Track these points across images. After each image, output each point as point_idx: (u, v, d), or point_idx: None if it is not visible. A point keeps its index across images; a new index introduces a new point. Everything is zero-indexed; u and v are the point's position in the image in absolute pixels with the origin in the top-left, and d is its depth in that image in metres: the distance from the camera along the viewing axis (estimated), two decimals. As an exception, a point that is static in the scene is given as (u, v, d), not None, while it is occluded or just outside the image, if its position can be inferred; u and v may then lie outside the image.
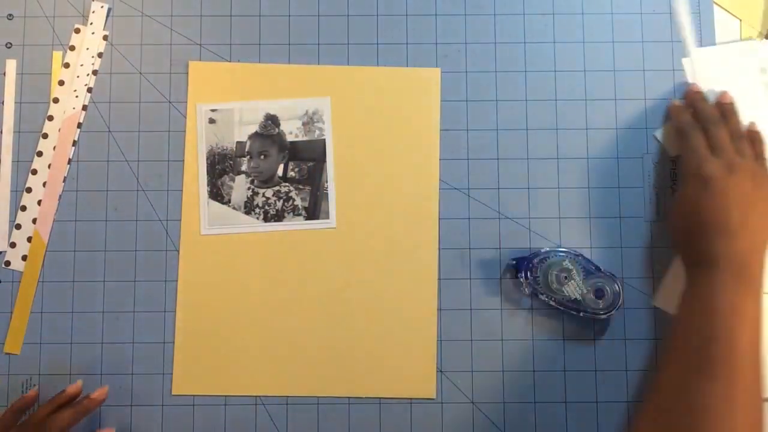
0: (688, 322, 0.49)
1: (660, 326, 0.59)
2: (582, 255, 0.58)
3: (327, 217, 0.60)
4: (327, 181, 0.60)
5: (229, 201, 0.60)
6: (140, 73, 0.62)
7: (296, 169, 0.60)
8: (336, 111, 0.61)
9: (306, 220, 0.60)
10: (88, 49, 0.62)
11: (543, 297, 0.57)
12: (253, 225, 0.59)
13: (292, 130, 0.61)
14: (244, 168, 0.60)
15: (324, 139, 0.60)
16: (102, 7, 0.62)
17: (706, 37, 0.62)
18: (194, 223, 0.60)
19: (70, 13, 0.63)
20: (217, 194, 0.60)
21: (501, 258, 0.60)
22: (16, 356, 0.59)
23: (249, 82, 0.61)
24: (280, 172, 0.60)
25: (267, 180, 0.60)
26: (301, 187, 0.60)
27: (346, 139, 0.61)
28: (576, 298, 0.56)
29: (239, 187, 0.60)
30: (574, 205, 0.61)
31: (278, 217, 0.60)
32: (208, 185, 0.60)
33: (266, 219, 0.60)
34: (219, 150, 0.60)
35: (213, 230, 0.60)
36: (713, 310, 0.47)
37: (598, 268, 0.57)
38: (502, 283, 0.60)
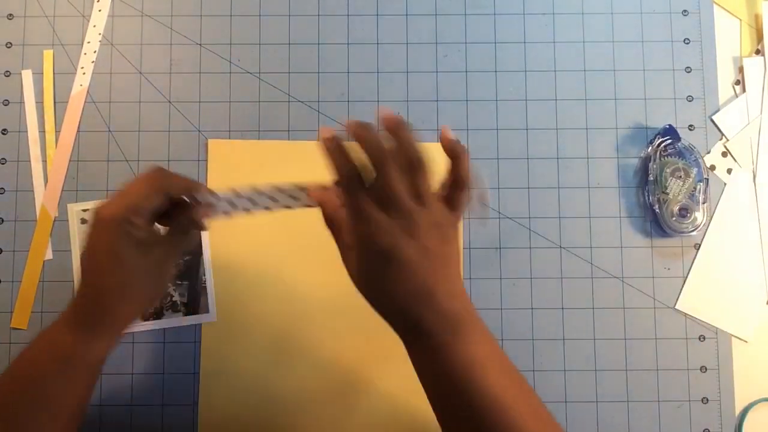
0: (435, 392, 0.43)
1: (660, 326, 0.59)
2: (708, 182, 0.59)
3: (207, 311, 0.59)
4: (204, 274, 0.59)
5: None
6: (140, 73, 0.62)
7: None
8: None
9: (185, 315, 0.59)
10: (95, 26, 0.62)
11: (651, 164, 0.59)
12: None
13: None
14: None
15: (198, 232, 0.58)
16: None
17: (706, 36, 0.62)
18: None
19: (70, 13, 0.63)
20: None
21: (501, 259, 0.60)
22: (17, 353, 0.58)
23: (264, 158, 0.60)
24: None
25: None
26: (179, 282, 0.59)
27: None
28: (666, 195, 0.57)
29: None
30: (574, 205, 0.61)
31: (157, 314, 0.58)
32: None
33: (145, 318, 0.58)
34: None
35: None
36: (447, 375, 0.41)
37: (705, 201, 0.59)
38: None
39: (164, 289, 0.57)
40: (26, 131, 0.61)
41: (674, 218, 0.58)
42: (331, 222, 0.45)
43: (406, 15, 0.63)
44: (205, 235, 0.59)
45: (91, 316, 0.47)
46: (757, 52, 0.62)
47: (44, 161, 0.61)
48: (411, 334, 0.42)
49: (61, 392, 0.46)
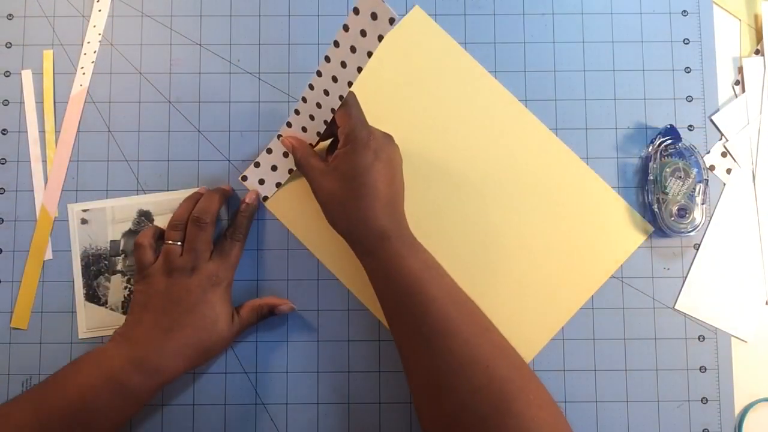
0: (388, 292, 0.52)
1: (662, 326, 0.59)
2: (707, 183, 0.59)
3: None
4: None
5: (106, 302, 0.59)
6: (140, 73, 0.62)
7: None
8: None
9: None
10: (95, 26, 0.62)
11: (652, 164, 0.59)
12: None
13: (166, 225, 0.58)
14: (119, 267, 0.59)
15: None
16: None
17: (705, 37, 0.62)
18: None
19: (70, 13, 0.63)
20: (93, 296, 0.59)
21: (501, 258, 0.60)
22: (17, 353, 0.59)
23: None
24: None
25: None
26: None
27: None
28: (666, 195, 0.57)
29: (115, 287, 0.59)
30: (574, 205, 0.61)
31: None
32: (84, 287, 0.59)
33: None
34: (93, 251, 0.59)
35: (91, 333, 0.58)
36: (402, 274, 0.51)
37: (704, 202, 0.58)
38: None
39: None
40: (26, 131, 0.61)
41: (672, 218, 0.58)
42: (302, 165, 0.55)
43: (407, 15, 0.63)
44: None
45: (153, 361, 0.52)
46: (757, 52, 0.62)
47: (44, 161, 0.61)
48: (367, 244, 0.52)
49: (110, 419, 0.51)
